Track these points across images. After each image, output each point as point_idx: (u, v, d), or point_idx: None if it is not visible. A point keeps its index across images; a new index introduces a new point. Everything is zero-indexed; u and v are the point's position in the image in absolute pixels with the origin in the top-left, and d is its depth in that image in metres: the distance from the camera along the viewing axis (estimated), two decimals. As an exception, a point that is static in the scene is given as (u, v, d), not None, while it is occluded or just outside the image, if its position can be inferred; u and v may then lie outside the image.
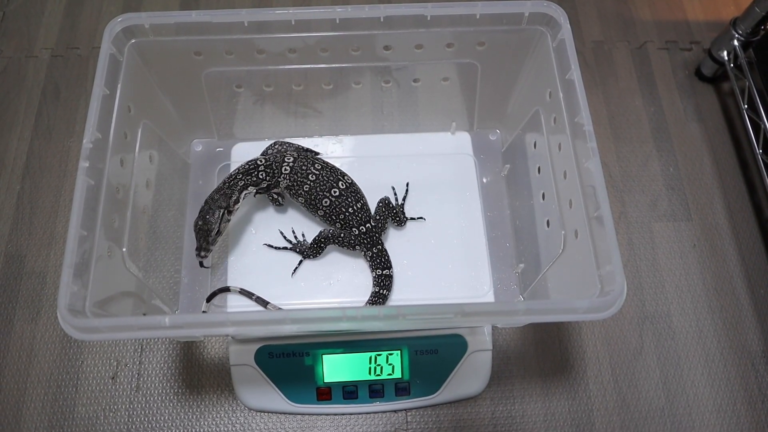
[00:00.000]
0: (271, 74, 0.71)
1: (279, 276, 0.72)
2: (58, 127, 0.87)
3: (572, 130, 0.58)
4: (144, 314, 0.61)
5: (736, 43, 0.87)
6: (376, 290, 0.70)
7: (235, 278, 0.72)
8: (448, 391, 0.68)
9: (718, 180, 0.86)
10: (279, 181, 0.70)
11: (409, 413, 0.71)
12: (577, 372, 0.74)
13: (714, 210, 0.84)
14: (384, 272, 0.70)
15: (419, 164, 0.79)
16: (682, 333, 0.76)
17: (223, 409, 0.71)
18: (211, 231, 0.65)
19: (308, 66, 0.69)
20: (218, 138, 0.80)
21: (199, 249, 0.66)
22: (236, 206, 0.68)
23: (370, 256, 0.70)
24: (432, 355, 0.68)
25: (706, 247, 0.81)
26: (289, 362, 0.67)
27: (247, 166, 0.70)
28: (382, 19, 0.62)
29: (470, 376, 0.69)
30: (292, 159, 0.70)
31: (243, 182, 0.68)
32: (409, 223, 0.75)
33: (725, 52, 0.88)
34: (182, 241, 0.74)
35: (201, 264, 0.68)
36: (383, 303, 0.69)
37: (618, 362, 0.74)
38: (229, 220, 0.68)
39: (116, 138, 0.58)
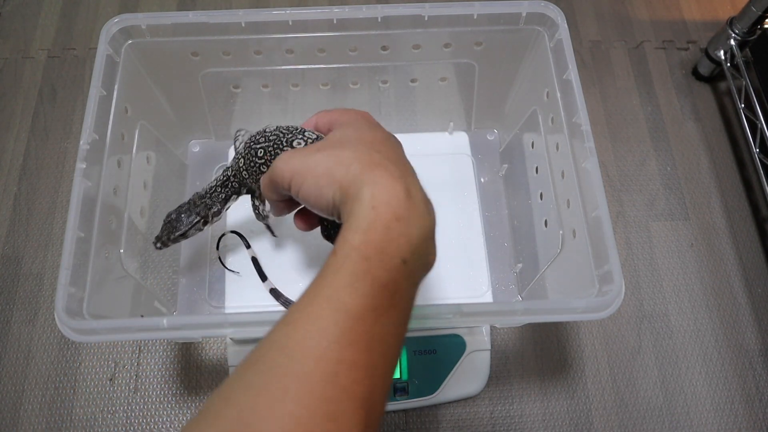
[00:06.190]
0: (269, 75, 0.71)
1: (277, 276, 0.72)
2: (54, 129, 0.87)
3: (570, 129, 0.58)
4: (142, 316, 0.61)
5: (732, 42, 0.87)
6: None
7: (233, 279, 0.72)
8: (447, 391, 0.68)
9: (716, 179, 0.86)
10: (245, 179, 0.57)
11: (407, 413, 0.71)
12: (575, 371, 0.74)
13: (711, 209, 0.84)
14: None
15: (417, 164, 0.78)
16: (680, 332, 0.76)
17: (221, 410, 0.71)
18: (176, 230, 0.59)
19: (305, 66, 0.69)
20: (215, 139, 0.80)
21: (157, 239, 0.59)
22: (216, 219, 0.61)
23: None
24: (430, 355, 0.68)
25: (703, 246, 0.82)
26: (288, 363, 0.67)
27: (223, 176, 0.60)
28: (379, 20, 0.62)
29: (469, 376, 0.69)
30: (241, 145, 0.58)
31: (224, 194, 0.60)
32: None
33: (722, 52, 0.88)
34: (179, 243, 0.74)
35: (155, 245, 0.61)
36: None
37: (616, 361, 0.74)
38: (201, 230, 0.61)
39: (113, 139, 0.58)
